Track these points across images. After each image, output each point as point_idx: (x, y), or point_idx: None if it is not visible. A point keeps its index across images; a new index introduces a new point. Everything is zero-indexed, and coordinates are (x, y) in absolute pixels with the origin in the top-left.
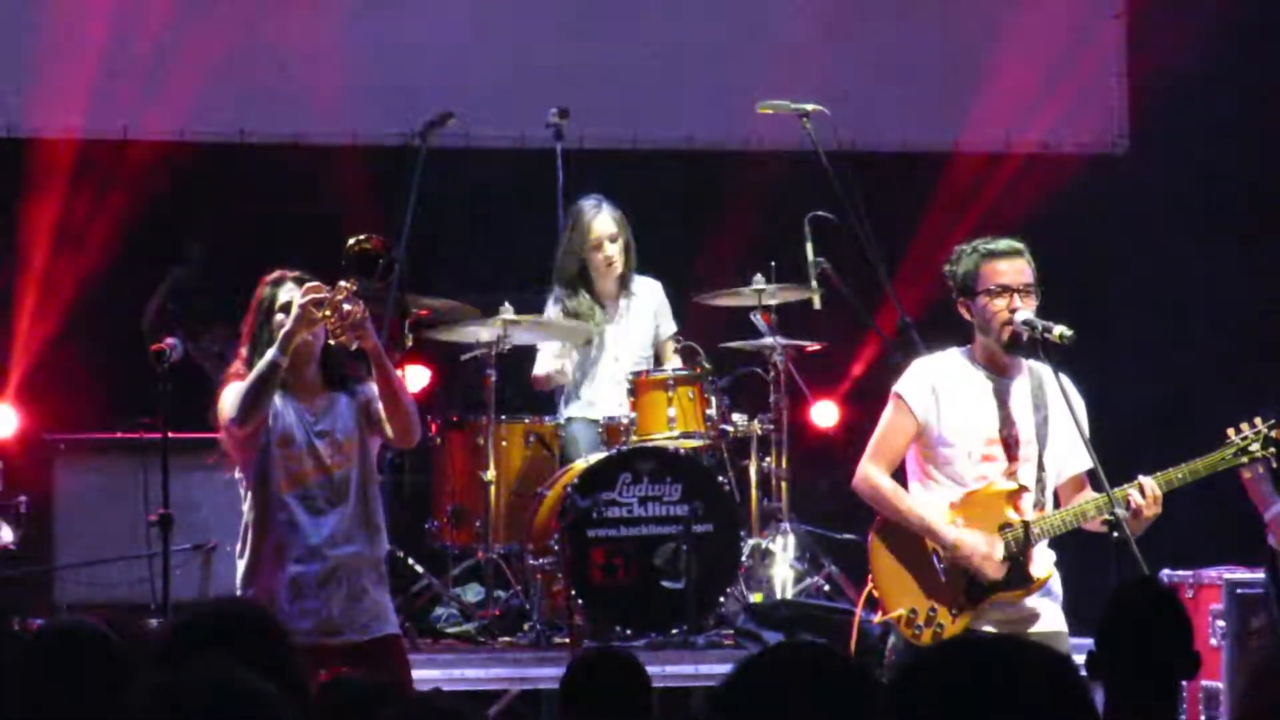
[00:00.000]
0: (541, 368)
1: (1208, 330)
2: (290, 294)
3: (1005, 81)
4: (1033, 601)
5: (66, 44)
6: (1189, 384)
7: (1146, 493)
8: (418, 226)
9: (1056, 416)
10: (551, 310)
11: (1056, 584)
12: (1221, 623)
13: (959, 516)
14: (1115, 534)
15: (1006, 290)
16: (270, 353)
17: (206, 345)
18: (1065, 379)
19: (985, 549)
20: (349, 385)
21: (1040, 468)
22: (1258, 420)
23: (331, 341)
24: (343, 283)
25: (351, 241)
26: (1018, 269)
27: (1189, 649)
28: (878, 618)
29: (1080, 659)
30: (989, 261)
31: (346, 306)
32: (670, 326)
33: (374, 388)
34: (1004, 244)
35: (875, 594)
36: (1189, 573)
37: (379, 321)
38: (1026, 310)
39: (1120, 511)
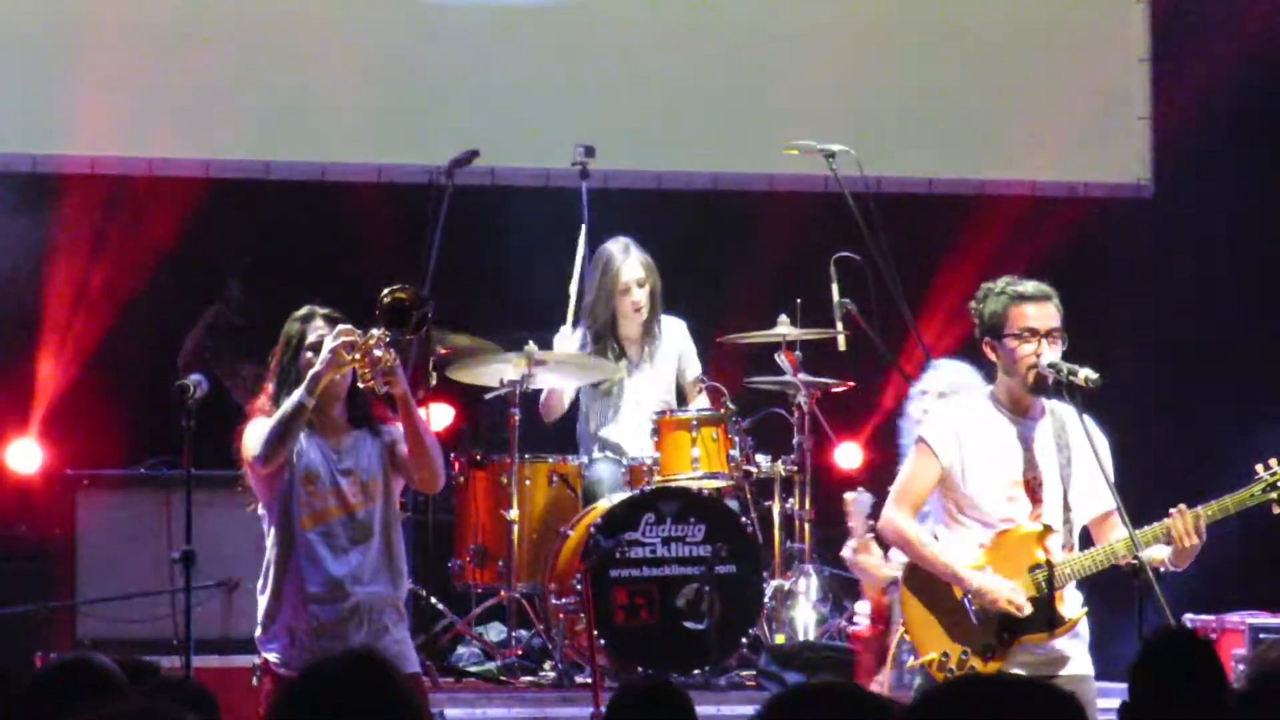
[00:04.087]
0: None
1: (1234, 372)
2: (319, 331)
3: (1032, 123)
4: (1061, 644)
5: (93, 79)
6: (1214, 425)
7: (1184, 521)
8: (442, 264)
9: (1080, 458)
10: (576, 345)
11: (1084, 626)
12: (1244, 667)
13: (988, 559)
14: (1138, 577)
15: (1034, 335)
16: (297, 394)
17: (242, 382)
18: (1088, 420)
19: (1011, 593)
20: (375, 425)
21: (1066, 508)
22: None
23: (361, 385)
24: (375, 331)
25: (386, 291)
26: (1046, 314)
27: (1223, 698)
28: (910, 663)
29: (1111, 705)
30: (1017, 304)
31: (378, 353)
32: (695, 368)
33: (400, 429)
34: (1033, 287)
35: (908, 639)
36: (1212, 617)
37: (406, 364)
38: (1052, 353)
39: (1152, 553)
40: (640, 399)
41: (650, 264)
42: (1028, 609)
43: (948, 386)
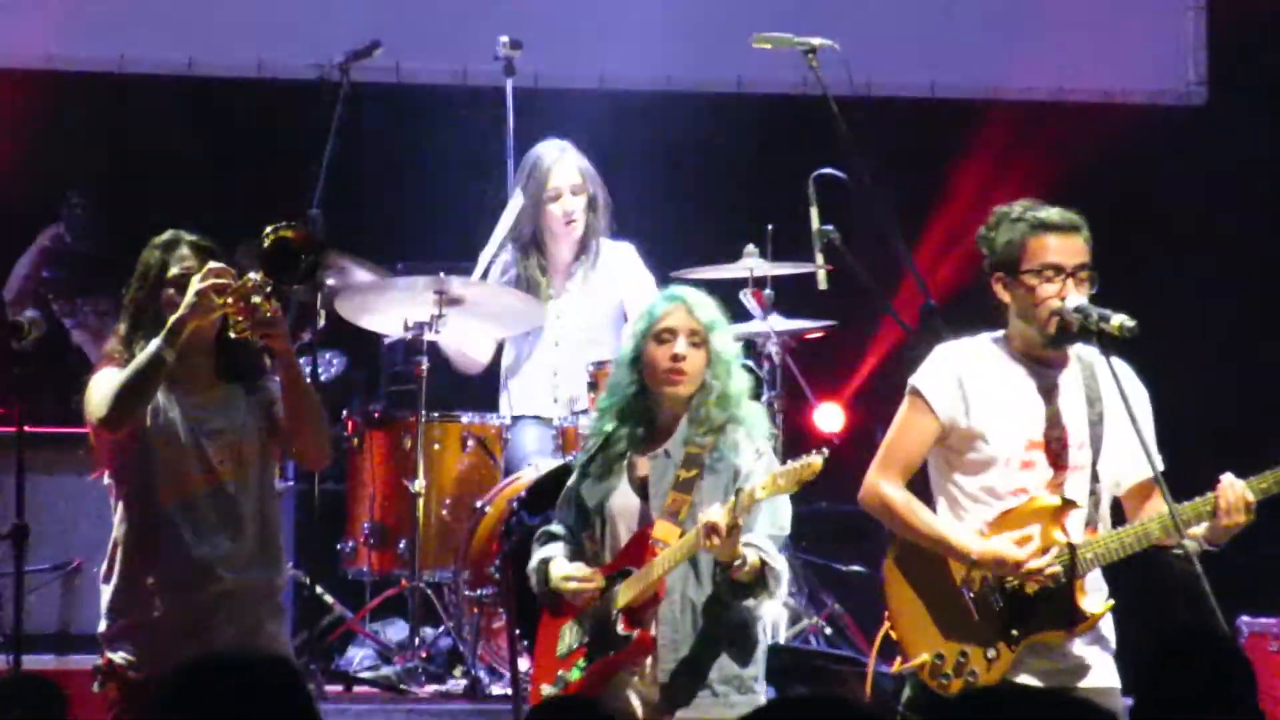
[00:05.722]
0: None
1: None
2: (184, 263)
3: (1059, 15)
4: (1080, 648)
5: None
6: (1274, 376)
7: (1232, 495)
8: (336, 177)
9: (1114, 414)
10: (496, 274)
11: (1109, 627)
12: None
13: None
14: (1183, 566)
15: (1058, 272)
16: (154, 344)
17: (83, 318)
18: (1123, 367)
19: (1025, 554)
20: (248, 378)
21: (1094, 478)
22: None
23: (233, 335)
24: (253, 275)
25: (269, 229)
26: (1074, 247)
27: (1253, 708)
28: (896, 666)
29: None
30: (1039, 234)
31: (255, 299)
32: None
33: (279, 385)
34: (1058, 214)
35: (893, 637)
36: (1273, 620)
37: (288, 309)
38: (1079, 296)
39: (1190, 544)
40: (559, 338)
41: (590, 170)
42: (1055, 568)
43: None
